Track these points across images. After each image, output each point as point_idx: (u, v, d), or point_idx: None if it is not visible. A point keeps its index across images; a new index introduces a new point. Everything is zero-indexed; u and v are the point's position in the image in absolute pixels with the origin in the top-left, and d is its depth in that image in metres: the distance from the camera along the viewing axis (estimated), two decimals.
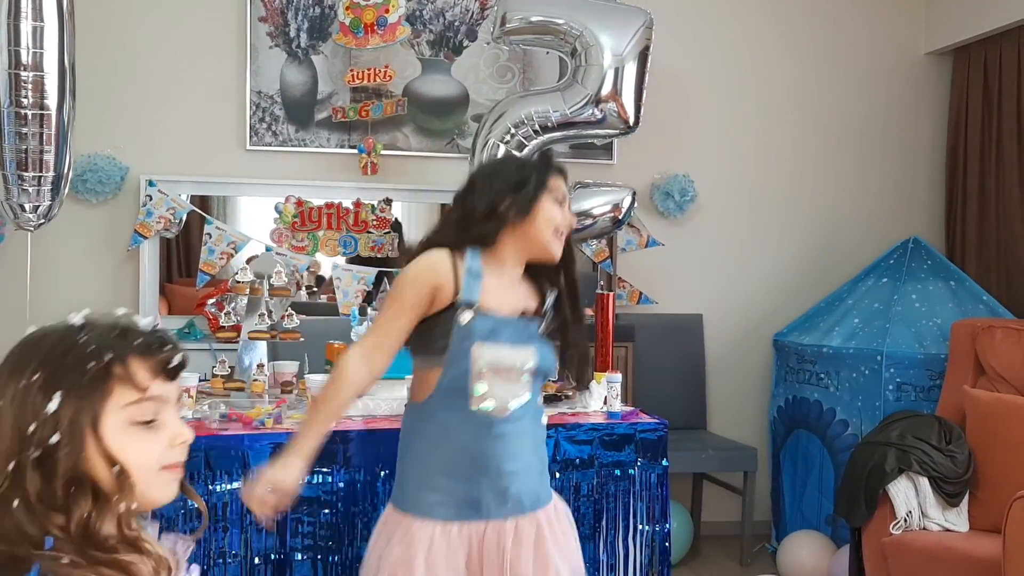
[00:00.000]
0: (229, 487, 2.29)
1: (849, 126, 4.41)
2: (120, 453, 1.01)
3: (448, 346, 1.85)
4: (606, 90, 3.49)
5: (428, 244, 1.94)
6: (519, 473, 1.89)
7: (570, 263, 1.99)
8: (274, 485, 1.78)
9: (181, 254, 4.04)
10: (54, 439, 0.98)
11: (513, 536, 1.89)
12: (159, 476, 1.05)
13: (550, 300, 1.98)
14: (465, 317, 1.84)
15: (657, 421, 2.63)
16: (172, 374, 1.07)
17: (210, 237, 3.84)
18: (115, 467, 1.00)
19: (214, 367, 3.02)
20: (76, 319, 1.11)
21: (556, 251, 1.93)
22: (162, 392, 1.06)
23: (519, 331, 1.90)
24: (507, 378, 1.87)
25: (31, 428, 0.98)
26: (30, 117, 3.17)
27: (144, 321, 1.12)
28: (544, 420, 2.02)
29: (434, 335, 1.87)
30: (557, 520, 1.96)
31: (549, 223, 1.91)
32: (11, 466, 0.97)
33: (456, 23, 4.08)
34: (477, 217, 1.90)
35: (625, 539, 2.58)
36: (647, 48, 3.53)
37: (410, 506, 1.88)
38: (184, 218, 3.84)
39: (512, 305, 1.92)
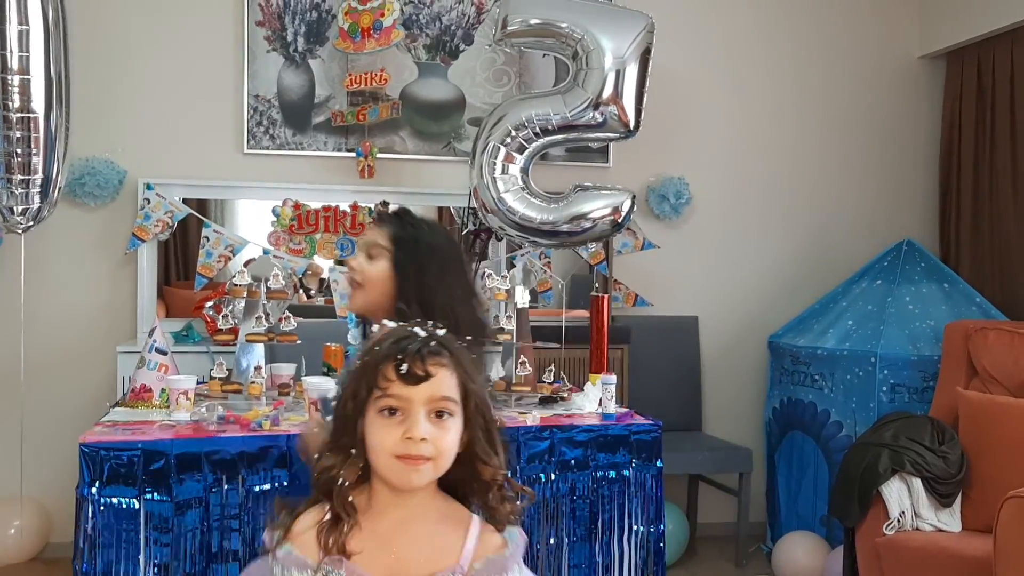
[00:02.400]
0: (228, 488, 2.31)
1: (843, 129, 4.44)
2: (369, 435, 1.26)
3: None
4: (607, 93, 3.50)
5: None
6: None
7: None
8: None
9: (179, 257, 4.05)
10: (348, 411, 1.29)
11: None
12: (389, 460, 1.25)
13: None
14: None
15: (651, 422, 2.64)
16: (412, 380, 1.25)
17: (208, 240, 3.86)
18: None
19: (211, 369, 3.03)
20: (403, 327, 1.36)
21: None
22: (401, 392, 1.26)
23: None
24: None
25: (346, 400, 1.31)
26: (15, 120, 3.19)
27: (425, 332, 1.31)
28: None
29: None
30: None
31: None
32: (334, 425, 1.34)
33: (452, 27, 4.10)
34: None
35: (620, 540, 2.59)
36: (648, 51, 3.53)
37: None
38: (177, 221, 3.85)
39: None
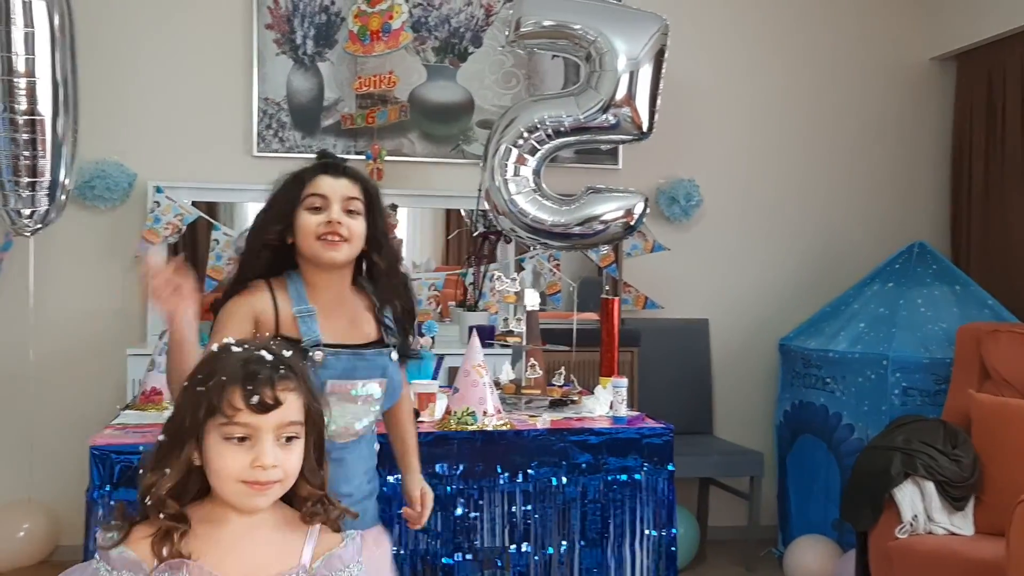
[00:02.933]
0: None
1: (854, 131, 4.42)
2: (209, 460, 1.24)
3: None
4: (620, 95, 3.47)
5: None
6: (352, 496, 1.85)
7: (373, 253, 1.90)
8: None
9: (189, 260, 4.05)
10: (163, 438, 1.27)
11: None
12: (235, 487, 1.24)
13: (386, 316, 1.92)
14: (318, 356, 1.81)
15: (663, 426, 2.63)
16: (256, 409, 1.23)
17: (217, 243, 3.86)
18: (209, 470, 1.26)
19: None
20: (230, 341, 1.33)
21: (324, 255, 1.82)
22: (251, 420, 1.24)
23: (370, 364, 1.87)
24: (356, 409, 1.86)
25: (172, 420, 1.28)
26: (22, 123, 3.20)
27: (272, 354, 1.29)
28: (376, 447, 1.99)
29: None
30: (374, 545, 1.90)
31: (307, 232, 1.82)
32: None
33: (461, 30, 4.09)
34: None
35: (632, 544, 2.58)
36: (662, 53, 3.50)
37: None
38: (186, 224, 3.86)
39: (348, 331, 1.87)
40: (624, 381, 2.77)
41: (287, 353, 1.30)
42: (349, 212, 1.83)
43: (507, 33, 3.64)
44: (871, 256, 4.21)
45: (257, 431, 1.24)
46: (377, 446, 1.99)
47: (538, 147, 3.54)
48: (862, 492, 3.04)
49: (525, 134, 3.52)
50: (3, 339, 3.77)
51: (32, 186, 3.27)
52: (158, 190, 3.82)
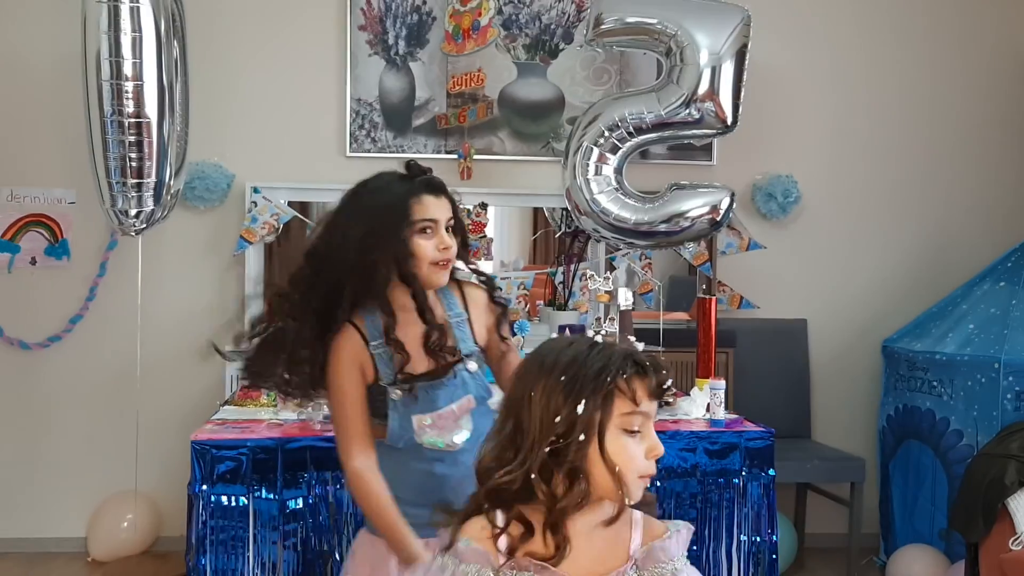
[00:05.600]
0: (330, 486, 2.33)
1: (962, 122, 4.23)
2: (614, 456, 1.21)
3: (387, 418, 1.85)
4: (703, 89, 3.43)
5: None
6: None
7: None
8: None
9: (283, 259, 4.13)
10: (579, 436, 1.20)
11: None
12: (635, 482, 1.23)
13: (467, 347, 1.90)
14: (395, 395, 1.82)
15: (763, 429, 2.57)
16: (659, 394, 1.25)
17: None
18: (616, 469, 1.21)
19: None
20: (597, 337, 1.31)
21: (437, 281, 1.85)
22: (649, 409, 1.24)
23: (448, 388, 1.85)
24: (448, 424, 1.86)
25: (556, 420, 1.20)
26: (128, 125, 3.29)
27: (641, 347, 1.29)
28: None
29: (371, 404, 1.86)
30: None
31: (423, 259, 1.81)
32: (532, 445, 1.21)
33: (552, 26, 4.07)
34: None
35: (728, 549, 2.52)
36: (745, 46, 3.46)
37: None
38: (282, 224, 3.93)
39: (424, 357, 1.84)
40: (722, 383, 2.70)
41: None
42: (449, 231, 1.85)
43: (585, 32, 3.61)
44: (981, 253, 4.02)
45: (648, 419, 1.25)
46: None
47: (619, 145, 3.50)
48: (973, 501, 2.91)
49: (606, 132, 3.49)
50: (111, 336, 3.90)
51: (138, 187, 3.37)
52: (255, 190, 3.90)
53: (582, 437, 1.19)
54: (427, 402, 1.84)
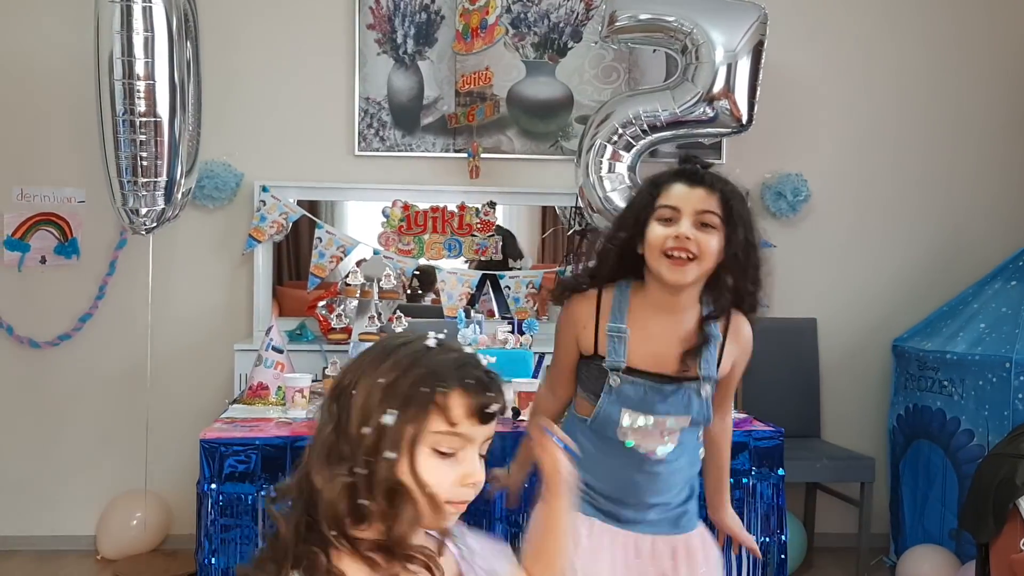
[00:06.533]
0: None
1: (973, 122, 4.21)
2: (424, 474, 1.08)
3: (598, 398, 1.78)
4: (718, 87, 3.42)
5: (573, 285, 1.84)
6: (662, 504, 1.85)
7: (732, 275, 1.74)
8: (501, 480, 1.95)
9: (292, 257, 4.14)
10: (388, 454, 1.07)
11: (650, 549, 1.85)
12: (442, 507, 1.10)
13: (706, 370, 1.76)
14: (614, 381, 1.75)
15: (773, 429, 2.56)
16: (485, 419, 1.11)
17: (320, 241, 3.92)
18: (427, 489, 1.08)
19: (325, 368, 3.08)
20: (431, 340, 1.15)
21: (668, 276, 1.70)
22: (469, 432, 1.10)
23: (671, 399, 1.76)
24: (656, 434, 1.79)
25: (365, 430, 1.08)
26: (139, 125, 3.30)
27: (485, 362, 1.15)
28: (701, 453, 1.93)
29: (588, 377, 1.82)
30: (700, 547, 1.89)
31: (653, 246, 1.70)
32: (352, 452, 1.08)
33: (561, 24, 4.06)
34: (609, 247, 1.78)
35: (738, 549, 2.50)
36: (761, 44, 3.44)
37: None
38: (291, 223, 3.93)
39: (663, 357, 1.75)
40: None
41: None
42: (703, 226, 1.68)
43: (600, 28, 3.60)
44: (992, 252, 4.00)
45: (467, 443, 1.11)
46: (701, 452, 1.93)
47: (633, 143, 3.49)
48: (984, 501, 2.88)
49: (620, 130, 3.47)
50: (121, 335, 3.91)
51: (149, 186, 3.37)
52: (264, 189, 3.91)
53: (390, 453, 1.07)
54: (645, 403, 1.76)
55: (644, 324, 1.75)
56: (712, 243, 1.68)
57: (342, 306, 3.53)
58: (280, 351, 2.90)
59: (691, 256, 1.66)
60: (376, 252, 3.93)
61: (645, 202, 1.72)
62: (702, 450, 1.94)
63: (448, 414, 1.08)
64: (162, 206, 3.45)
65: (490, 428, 1.12)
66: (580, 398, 1.87)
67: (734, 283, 1.73)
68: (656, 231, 1.69)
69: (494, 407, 1.11)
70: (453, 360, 1.11)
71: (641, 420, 1.77)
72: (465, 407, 1.09)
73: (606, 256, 1.78)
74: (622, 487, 1.83)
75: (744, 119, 3.46)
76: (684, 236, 1.66)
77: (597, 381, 1.78)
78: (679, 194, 1.70)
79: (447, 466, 1.09)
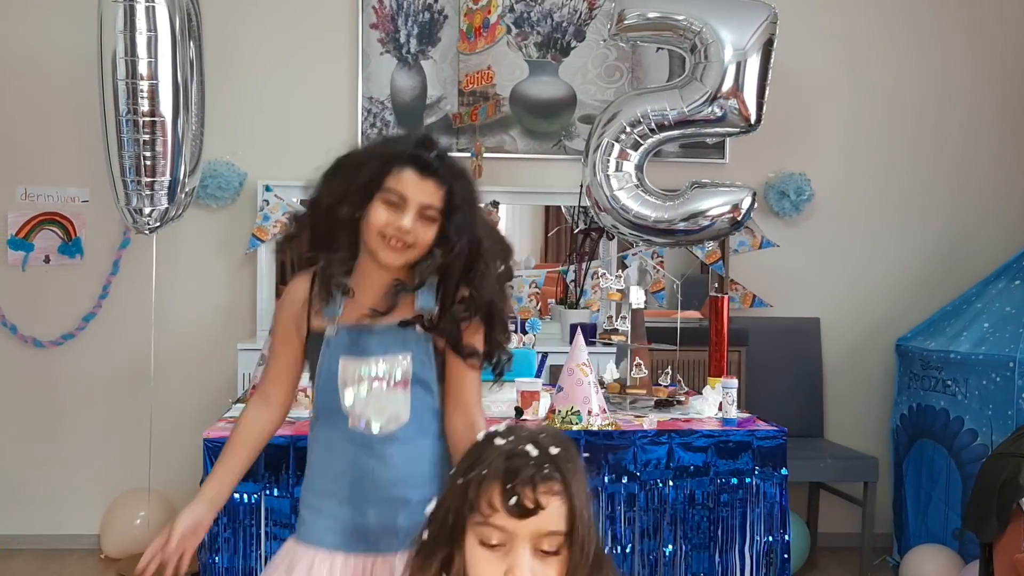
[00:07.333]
0: None
1: (976, 121, 4.20)
2: (469, 568, 1.11)
3: (318, 362, 1.75)
4: (727, 87, 3.40)
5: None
6: (411, 502, 1.67)
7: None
8: (173, 529, 1.84)
9: (294, 256, 4.13)
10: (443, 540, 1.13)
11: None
12: None
13: (422, 302, 1.73)
14: (330, 331, 1.73)
15: (776, 428, 2.55)
16: (520, 513, 1.08)
17: None
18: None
19: None
20: (503, 426, 1.17)
21: (383, 258, 1.69)
22: (505, 524, 1.09)
23: (391, 340, 1.71)
24: (379, 392, 1.71)
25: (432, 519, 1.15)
26: (143, 124, 3.30)
27: (538, 449, 1.12)
28: (436, 447, 1.76)
29: (311, 352, 1.79)
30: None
31: (373, 227, 1.68)
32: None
33: (564, 24, 4.06)
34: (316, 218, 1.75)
35: (741, 549, 2.51)
36: (771, 43, 3.42)
37: (300, 531, 1.76)
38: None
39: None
40: (734, 382, 2.69)
41: (555, 448, 1.13)
42: (424, 217, 1.68)
43: (609, 26, 3.60)
44: (996, 251, 3.99)
45: (512, 538, 1.09)
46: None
47: (641, 142, 3.48)
48: (987, 501, 2.87)
49: (628, 128, 3.47)
50: (125, 334, 3.92)
51: (152, 185, 3.38)
52: (267, 188, 3.91)
53: (446, 529, 1.12)
54: (358, 346, 1.71)
55: (361, 284, 1.77)
56: (429, 234, 1.69)
57: None
58: None
59: (406, 245, 1.69)
60: None
61: (375, 177, 1.68)
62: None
63: (482, 507, 1.09)
64: (165, 206, 3.45)
65: (535, 523, 1.08)
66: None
67: (448, 264, 1.71)
68: (380, 215, 1.68)
69: (513, 500, 1.08)
70: (504, 451, 1.11)
71: (359, 367, 1.74)
72: (498, 499, 1.08)
73: (326, 224, 1.75)
74: (358, 487, 1.74)
75: (752, 119, 3.45)
76: (405, 229, 1.67)
77: (314, 351, 1.80)
78: (410, 182, 1.67)
79: (495, 558, 1.09)
